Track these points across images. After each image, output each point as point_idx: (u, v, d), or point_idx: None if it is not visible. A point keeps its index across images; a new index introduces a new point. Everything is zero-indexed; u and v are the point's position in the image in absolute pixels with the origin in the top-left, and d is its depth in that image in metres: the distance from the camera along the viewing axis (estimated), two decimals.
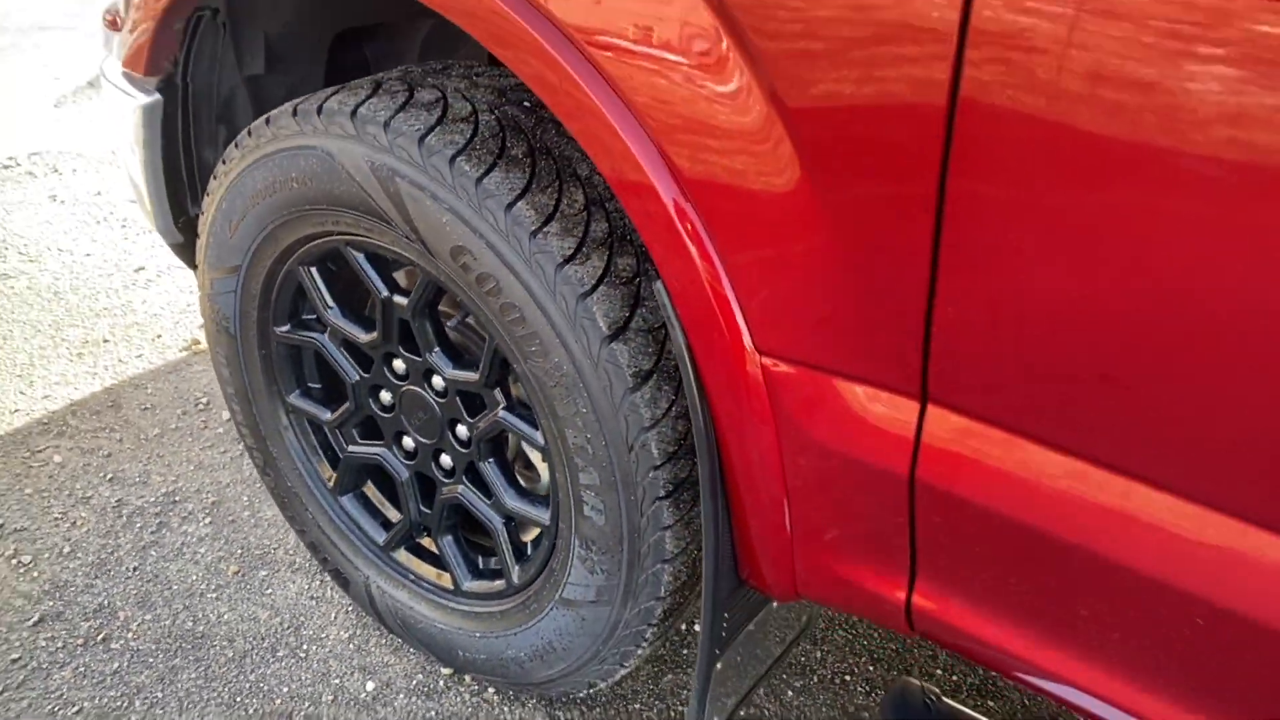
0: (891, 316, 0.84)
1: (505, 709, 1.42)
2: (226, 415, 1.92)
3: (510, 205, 1.04)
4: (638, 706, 1.43)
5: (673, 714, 1.41)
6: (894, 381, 0.88)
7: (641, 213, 0.94)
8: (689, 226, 0.92)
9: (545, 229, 1.04)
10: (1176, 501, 0.79)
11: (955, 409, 0.86)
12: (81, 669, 1.44)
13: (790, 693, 1.45)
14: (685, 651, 1.50)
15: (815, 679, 1.47)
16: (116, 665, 1.45)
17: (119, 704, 1.39)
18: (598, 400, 1.07)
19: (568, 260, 1.03)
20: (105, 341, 2.12)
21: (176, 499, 1.74)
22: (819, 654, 1.51)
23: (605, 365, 1.05)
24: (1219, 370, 0.71)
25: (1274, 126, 0.61)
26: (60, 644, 1.48)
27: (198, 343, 2.13)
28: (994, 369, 0.82)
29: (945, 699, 1.11)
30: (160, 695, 1.41)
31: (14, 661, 1.45)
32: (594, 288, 1.04)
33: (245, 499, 1.74)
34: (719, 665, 1.13)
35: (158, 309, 2.23)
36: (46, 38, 3.78)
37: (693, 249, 0.92)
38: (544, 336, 1.06)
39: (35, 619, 1.52)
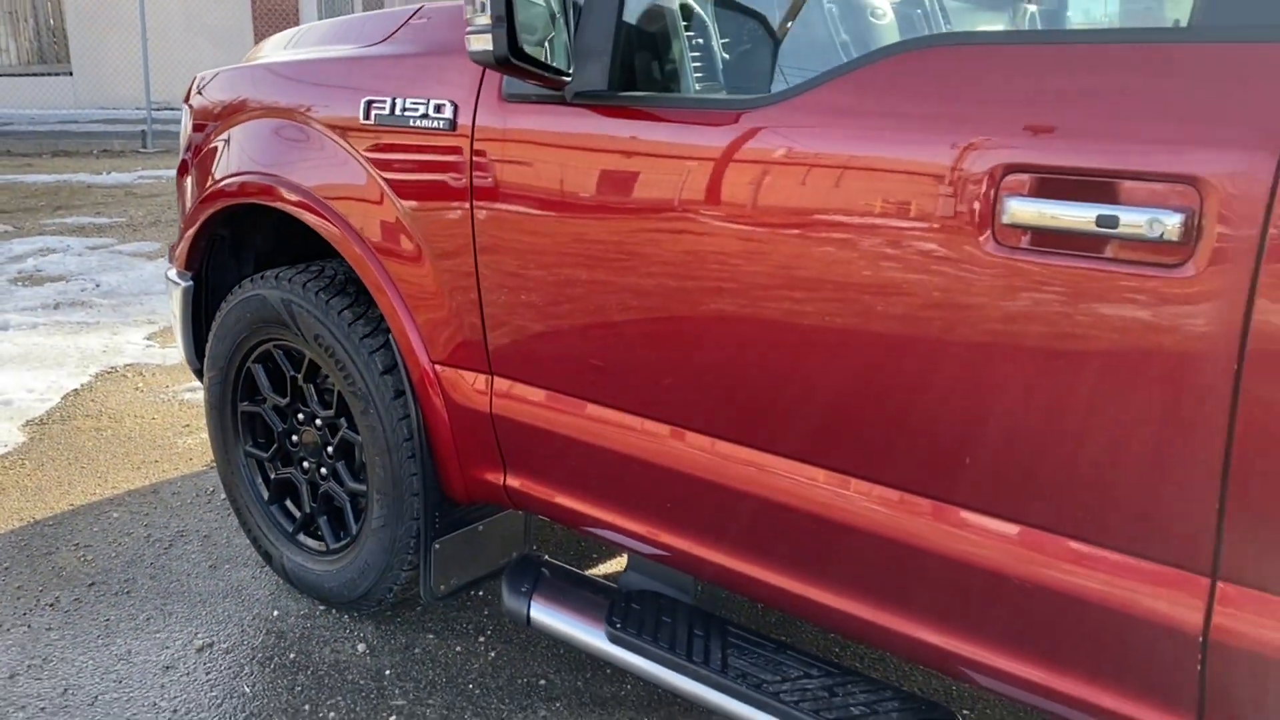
0: (471, 336, 1.94)
1: (353, 626, 2.40)
2: (223, 496, 3.01)
3: (340, 311, 2.18)
4: (428, 621, 2.40)
5: (451, 628, 2.38)
6: (478, 367, 1.96)
7: (385, 306, 2.07)
8: (404, 313, 2.04)
9: (356, 322, 2.17)
10: (621, 413, 1.80)
11: (503, 375, 1.93)
12: (114, 604, 2.47)
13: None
14: (456, 613, 2.48)
15: None
16: (132, 604, 2.48)
17: (136, 617, 2.41)
18: (379, 406, 2.15)
19: (365, 336, 2.16)
20: (155, 462, 3.27)
21: (183, 534, 2.81)
22: None
23: (381, 387, 2.14)
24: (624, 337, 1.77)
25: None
26: (102, 594, 2.52)
27: (214, 463, 3.25)
28: (515, 354, 1.90)
29: (550, 559, 2.09)
30: (156, 614, 2.43)
31: (76, 601, 2.49)
32: (377, 349, 2.15)
33: (225, 535, 2.80)
34: (437, 546, 2.14)
35: (192, 446, 3.39)
36: (149, 298, 5.22)
37: (402, 318, 2.04)
38: (353, 375, 2.17)
39: (89, 584, 2.56)
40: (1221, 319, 1.14)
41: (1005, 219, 1.25)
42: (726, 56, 1.88)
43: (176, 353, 4.36)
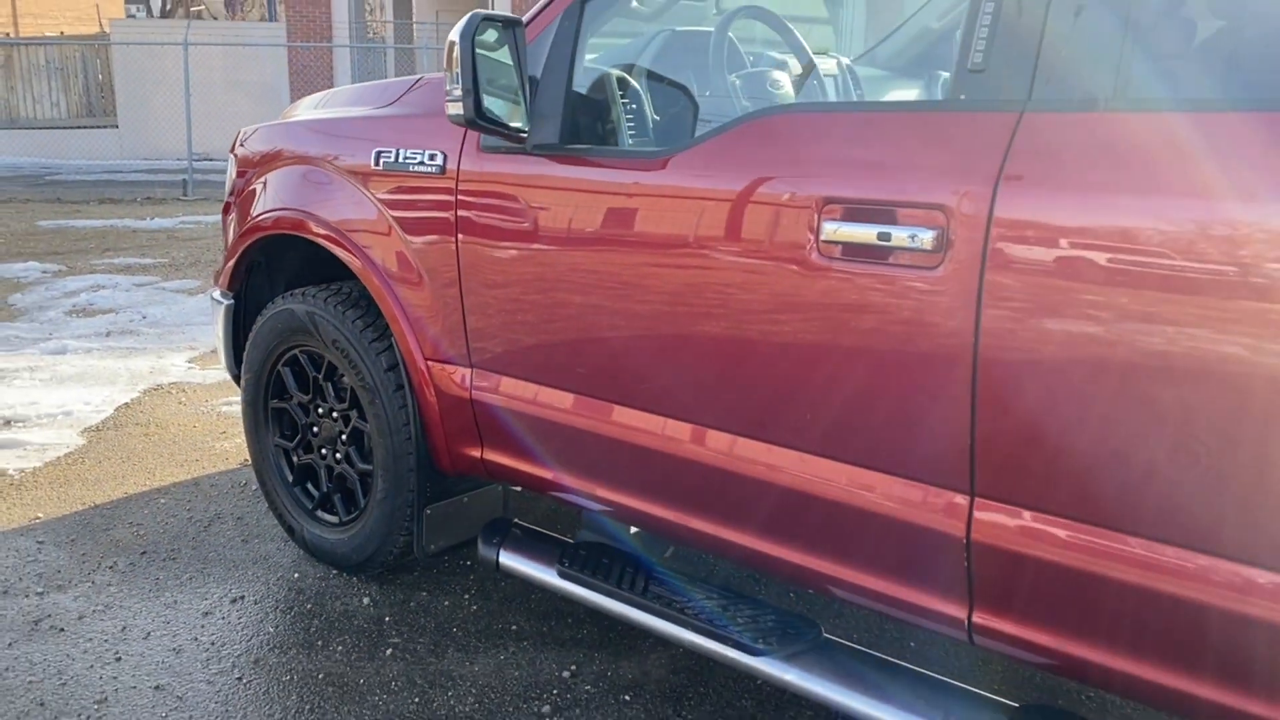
0: (456, 337, 2.43)
1: (360, 585, 2.88)
2: (254, 488, 3.50)
3: (354, 321, 2.69)
4: (423, 583, 2.88)
5: (441, 588, 2.85)
6: (460, 361, 2.45)
7: (391, 319, 2.57)
8: (404, 320, 2.54)
9: (366, 329, 2.68)
10: (561, 392, 2.29)
11: (479, 366, 2.42)
12: (163, 567, 2.96)
13: (504, 583, 2.88)
14: (447, 577, 2.96)
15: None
16: (178, 567, 2.97)
17: (181, 577, 2.90)
18: (382, 396, 2.64)
19: (373, 341, 2.66)
20: (196, 460, 3.78)
21: (219, 516, 3.31)
22: None
23: (385, 382, 2.64)
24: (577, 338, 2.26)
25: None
26: (152, 560, 3.01)
27: (247, 461, 3.76)
28: (490, 351, 2.39)
29: (518, 520, 2.56)
30: (197, 575, 2.92)
31: (130, 564, 2.98)
32: (383, 351, 2.65)
33: (255, 517, 3.30)
34: (428, 513, 2.62)
35: (228, 448, 3.90)
36: (190, 328, 5.78)
37: (405, 328, 2.54)
38: (363, 371, 2.67)
39: (141, 552, 3.06)
40: (964, 306, 1.61)
41: (823, 237, 1.74)
42: (657, 117, 2.39)
43: (215, 373, 4.90)
